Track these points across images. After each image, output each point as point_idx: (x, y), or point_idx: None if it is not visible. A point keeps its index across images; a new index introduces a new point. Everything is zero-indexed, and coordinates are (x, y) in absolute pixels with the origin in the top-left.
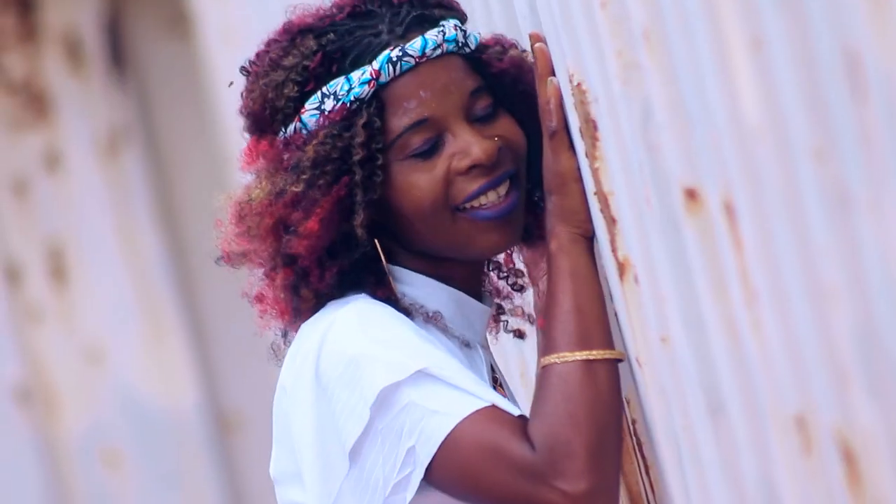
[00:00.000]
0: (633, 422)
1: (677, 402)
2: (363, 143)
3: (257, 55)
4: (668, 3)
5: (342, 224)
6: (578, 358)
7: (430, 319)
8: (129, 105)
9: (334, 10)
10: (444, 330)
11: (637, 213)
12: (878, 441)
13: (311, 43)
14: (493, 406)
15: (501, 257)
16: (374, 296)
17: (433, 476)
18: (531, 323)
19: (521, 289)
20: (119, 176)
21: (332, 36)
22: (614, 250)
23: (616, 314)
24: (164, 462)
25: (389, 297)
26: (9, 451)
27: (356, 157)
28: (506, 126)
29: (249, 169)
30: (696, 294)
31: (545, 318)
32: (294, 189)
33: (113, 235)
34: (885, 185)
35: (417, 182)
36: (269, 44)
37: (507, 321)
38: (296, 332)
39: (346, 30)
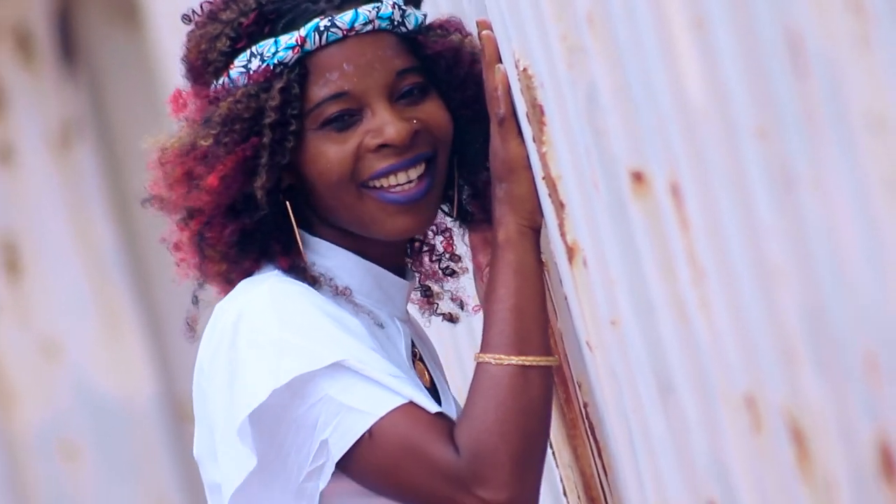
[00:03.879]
0: (585, 405)
1: (628, 384)
2: (277, 106)
3: (200, 5)
4: None
5: (245, 184)
6: (514, 362)
7: (340, 293)
8: (80, 97)
9: None
10: (354, 305)
11: (585, 196)
12: (826, 419)
13: (251, 1)
14: (411, 403)
15: (439, 241)
16: (282, 267)
17: (348, 469)
18: (462, 308)
19: (453, 273)
20: (72, 169)
21: None
22: (563, 234)
23: (566, 298)
24: (121, 453)
25: (297, 264)
26: None
27: (267, 120)
28: (431, 109)
29: (177, 116)
30: (645, 276)
31: (484, 311)
32: (203, 143)
33: (67, 228)
34: (828, 163)
35: (327, 152)
36: None
37: (438, 304)
38: (223, 287)
39: None
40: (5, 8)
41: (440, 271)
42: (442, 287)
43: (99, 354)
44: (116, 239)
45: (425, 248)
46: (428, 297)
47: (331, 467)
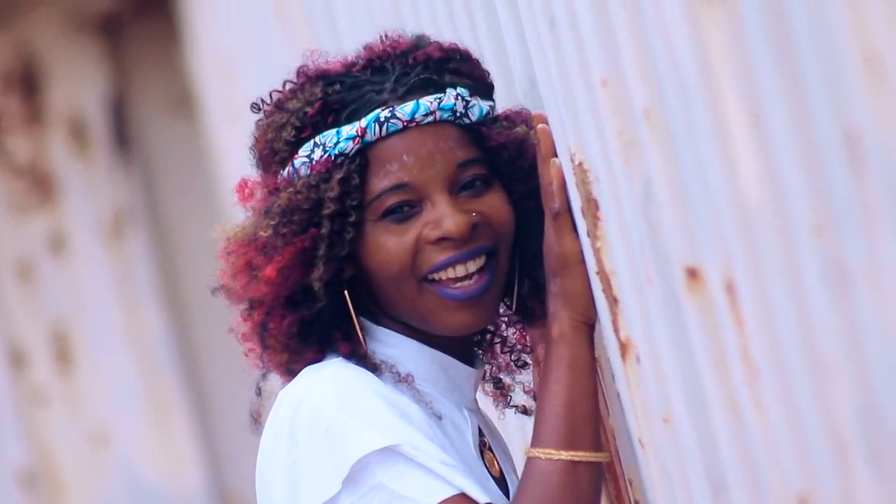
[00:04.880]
0: (636, 502)
1: (680, 483)
2: (336, 197)
3: (269, 94)
4: (668, 81)
5: (304, 276)
6: (564, 458)
7: (402, 380)
8: (133, 186)
9: (352, 61)
10: (416, 392)
11: (638, 292)
12: None
13: (318, 90)
14: (462, 494)
15: (511, 332)
16: (343, 353)
17: None
18: (535, 400)
19: (525, 365)
20: (124, 258)
21: (337, 87)
22: (616, 330)
23: (618, 394)
24: None
25: (357, 352)
26: None
27: (326, 211)
28: (492, 202)
29: (244, 206)
30: (698, 373)
31: (537, 405)
32: (262, 234)
33: (118, 318)
34: (885, 260)
35: (386, 244)
36: (283, 85)
37: (511, 396)
38: (285, 377)
39: (353, 82)
40: (60, 97)
41: (512, 363)
42: (514, 379)
43: (148, 445)
44: (166, 329)
45: (497, 340)
46: (500, 388)
47: None
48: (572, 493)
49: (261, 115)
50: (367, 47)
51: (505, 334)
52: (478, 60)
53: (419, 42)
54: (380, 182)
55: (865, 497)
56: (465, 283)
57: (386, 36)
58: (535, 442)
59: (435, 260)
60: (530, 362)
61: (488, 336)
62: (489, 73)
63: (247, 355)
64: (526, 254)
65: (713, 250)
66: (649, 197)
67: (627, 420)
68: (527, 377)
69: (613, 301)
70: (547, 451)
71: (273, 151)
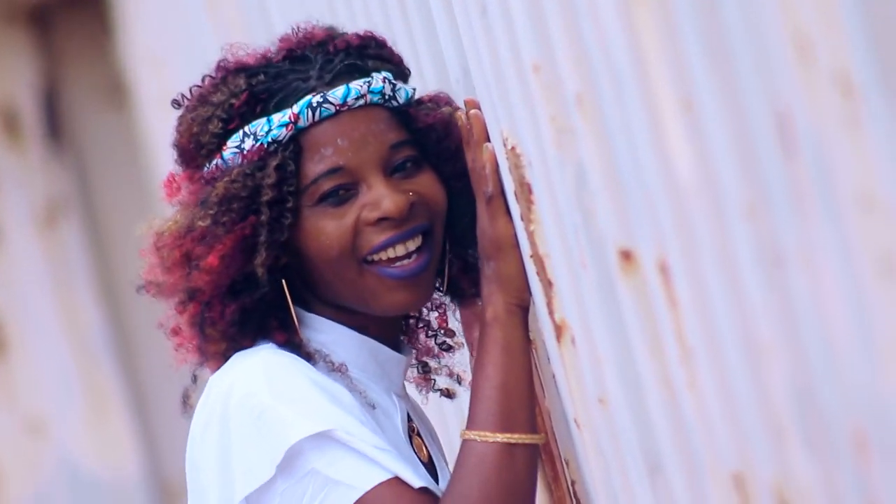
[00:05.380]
0: (573, 483)
1: (616, 463)
2: (273, 184)
3: (189, 89)
4: (600, 68)
5: (245, 263)
6: (500, 440)
7: (336, 369)
8: (66, 176)
9: (271, 53)
10: (349, 381)
11: (573, 275)
12: (815, 497)
13: (241, 82)
14: (396, 478)
15: (434, 316)
16: (278, 342)
17: None
18: (459, 383)
19: (450, 349)
20: (58, 248)
21: (262, 77)
22: (551, 313)
23: (554, 376)
24: None
25: (292, 341)
26: None
27: (264, 198)
28: (425, 182)
29: (171, 201)
30: (633, 354)
31: (472, 388)
32: (201, 224)
33: (53, 307)
34: (817, 241)
35: (325, 228)
36: (203, 79)
37: (436, 380)
38: (219, 363)
39: (277, 72)
40: None
41: (436, 346)
42: (439, 362)
43: (85, 433)
44: (102, 318)
45: (420, 325)
46: (426, 373)
47: None
48: (508, 475)
49: (182, 110)
50: (283, 39)
51: (427, 318)
52: (391, 47)
53: (333, 32)
54: (315, 167)
55: (801, 475)
56: (405, 261)
57: (298, 27)
58: (471, 424)
59: (375, 241)
60: (454, 345)
61: (411, 321)
62: (403, 59)
63: (176, 350)
64: (455, 234)
65: (646, 233)
66: (582, 181)
67: (563, 401)
68: (450, 360)
69: (548, 284)
70: (482, 433)
71: (199, 145)
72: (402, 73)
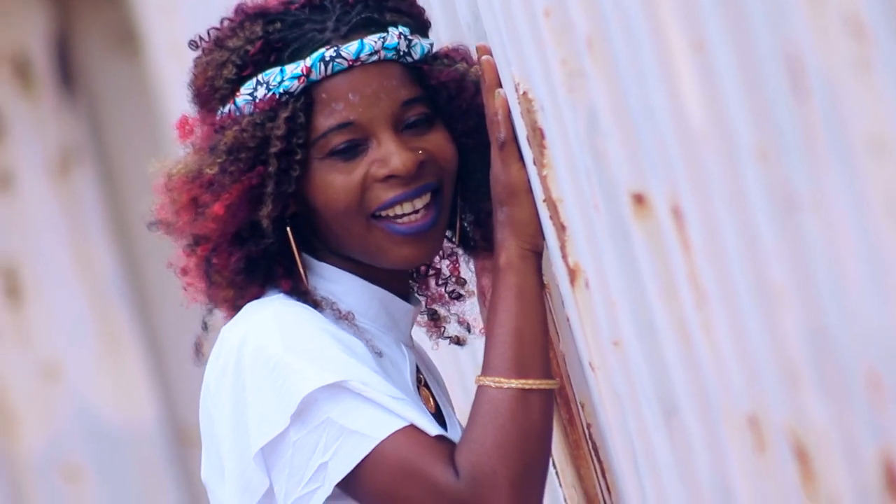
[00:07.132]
0: (589, 426)
1: (631, 405)
2: (283, 135)
3: (207, 31)
4: (610, 10)
5: (251, 213)
6: (514, 386)
7: (343, 317)
8: (79, 124)
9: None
10: (357, 329)
11: (586, 219)
12: (830, 438)
13: (258, 28)
14: (412, 426)
15: (445, 264)
16: (284, 289)
17: (349, 492)
18: (468, 331)
19: (460, 297)
20: (71, 194)
21: (278, 25)
22: (565, 256)
23: (568, 320)
24: (123, 477)
25: (299, 288)
26: None
27: (273, 149)
28: (436, 139)
29: (183, 142)
30: (647, 297)
31: (486, 334)
32: (209, 171)
33: (67, 253)
34: (829, 184)
35: (333, 182)
36: (221, 21)
37: (445, 327)
38: (230, 312)
39: (294, 21)
40: (3, 36)
41: (446, 295)
42: (448, 310)
43: (100, 378)
44: (116, 263)
45: (431, 272)
46: (435, 320)
47: (325, 493)
48: (523, 420)
49: (199, 52)
50: None
51: (439, 266)
52: None
53: None
54: (325, 121)
55: (815, 417)
56: (412, 216)
57: None
58: (485, 370)
59: (383, 198)
60: (464, 294)
61: (422, 269)
62: (425, 11)
63: (185, 289)
64: (467, 188)
65: (659, 176)
66: (594, 125)
67: (578, 344)
68: (460, 308)
69: (561, 228)
70: (497, 379)
71: (213, 89)
72: (421, 25)
